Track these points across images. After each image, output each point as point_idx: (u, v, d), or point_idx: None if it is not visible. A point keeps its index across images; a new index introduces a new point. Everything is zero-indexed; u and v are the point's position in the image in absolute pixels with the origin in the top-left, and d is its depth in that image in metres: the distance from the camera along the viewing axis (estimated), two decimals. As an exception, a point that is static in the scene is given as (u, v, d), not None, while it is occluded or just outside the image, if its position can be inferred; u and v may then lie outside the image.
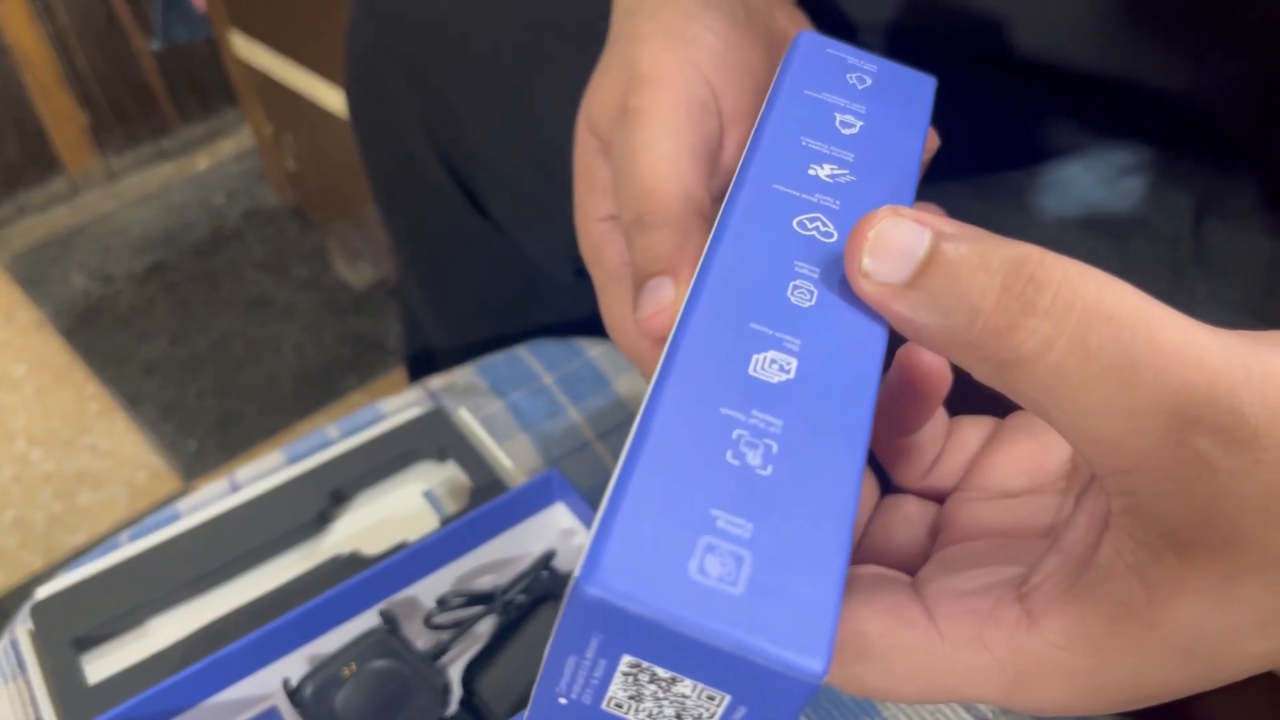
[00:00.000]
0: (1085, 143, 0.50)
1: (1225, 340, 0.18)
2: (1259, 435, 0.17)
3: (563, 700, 0.18)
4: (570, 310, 0.58)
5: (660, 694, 0.17)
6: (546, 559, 0.42)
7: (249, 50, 1.18)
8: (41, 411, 1.26)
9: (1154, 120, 0.46)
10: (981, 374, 0.20)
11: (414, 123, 0.52)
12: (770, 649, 0.16)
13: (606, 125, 0.33)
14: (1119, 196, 0.50)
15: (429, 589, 0.43)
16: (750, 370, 0.19)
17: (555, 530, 0.45)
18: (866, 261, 0.20)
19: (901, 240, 0.19)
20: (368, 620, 0.42)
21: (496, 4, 0.48)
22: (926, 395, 0.25)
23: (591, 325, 0.55)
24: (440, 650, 0.40)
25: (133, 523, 1.11)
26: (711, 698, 0.17)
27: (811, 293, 0.21)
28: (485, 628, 0.41)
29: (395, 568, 0.42)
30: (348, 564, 0.44)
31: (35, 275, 1.46)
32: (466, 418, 0.49)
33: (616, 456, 0.49)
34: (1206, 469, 0.17)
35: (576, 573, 0.16)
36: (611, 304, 0.32)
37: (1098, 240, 0.50)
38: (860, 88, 0.27)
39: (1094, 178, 0.51)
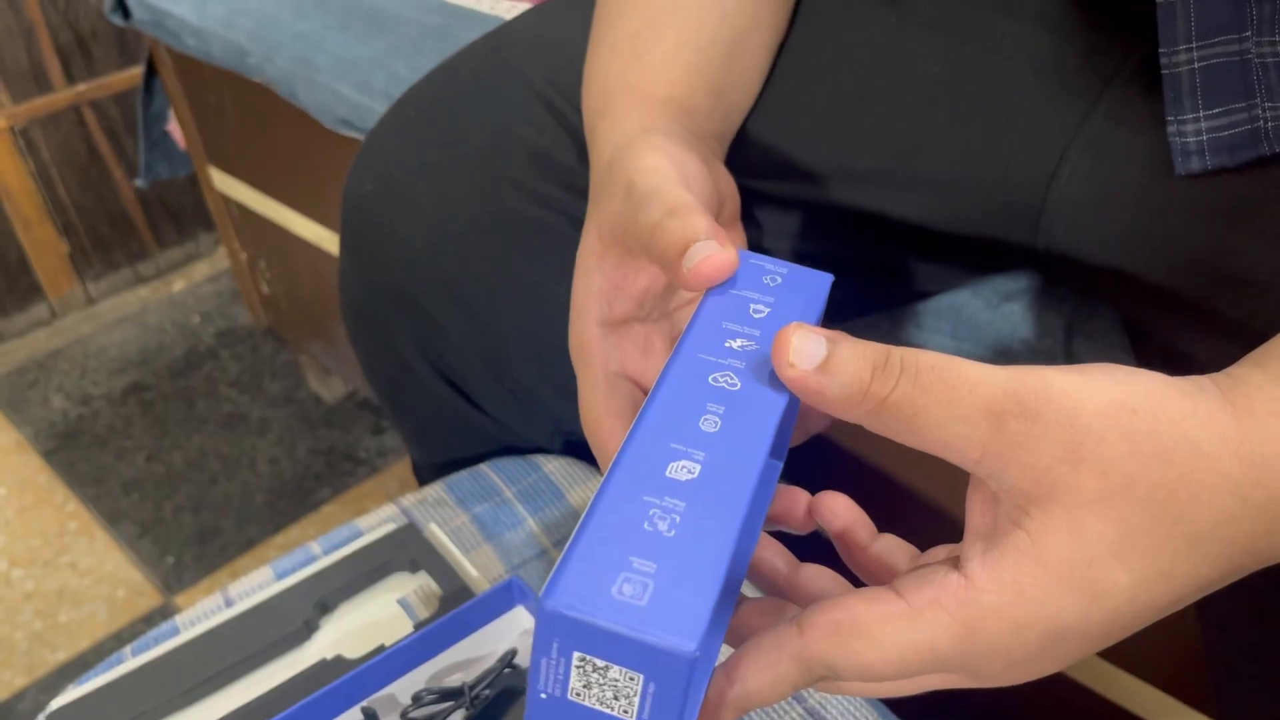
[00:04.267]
0: (969, 277, 0.58)
1: (1007, 367, 0.28)
2: (1040, 413, 0.27)
3: (543, 695, 0.27)
4: None
5: (601, 680, 0.26)
6: (509, 657, 0.48)
7: (226, 184, 1.26)
8: (22, 532, 1.29)
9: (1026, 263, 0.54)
10: (870, 422, 0.29)
11: (408, 344, 0.59)
12: (660, 635, 0.25)
13: (615, 215, 0.38)
14: (1001, 317, 0.58)
15: (405, 687, 0.48)
16: (666, 473, 0.28)
17: (517, 631, 0.50)
18: (792, 356, 0.29)
19: (813, 344, 0.29)
20: (352, 717, 0.47)
21: (459, 240, 0.55)
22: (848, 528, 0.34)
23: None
24: (416, 742, 0.45)
25: (113, 638, 1.15)
26: (632, 678, 0.26)
27: (717, 423, 0.30)
28: (455, 720, 0.47)
29: (375, 669, 0.47)
30: (332, 667, 0.49)
31: (15, 398, 1.50)
32: (436, 531, 0.55)
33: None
34: (1021, 439, 0.27)
35: (540, 594, 0.25)
36: (592, 400, 0.37)
37: (982, 355, 0.58)
38: (772, 285, 0.35)
39: (981, 302, 0.59)
